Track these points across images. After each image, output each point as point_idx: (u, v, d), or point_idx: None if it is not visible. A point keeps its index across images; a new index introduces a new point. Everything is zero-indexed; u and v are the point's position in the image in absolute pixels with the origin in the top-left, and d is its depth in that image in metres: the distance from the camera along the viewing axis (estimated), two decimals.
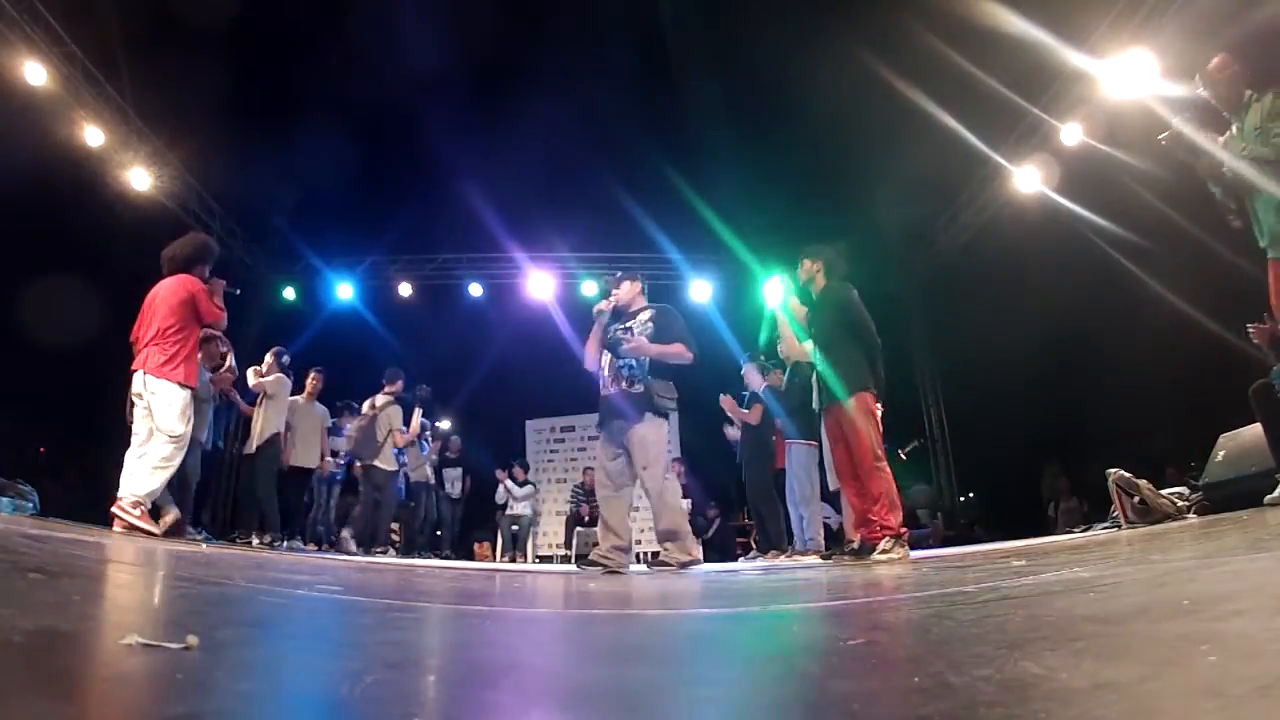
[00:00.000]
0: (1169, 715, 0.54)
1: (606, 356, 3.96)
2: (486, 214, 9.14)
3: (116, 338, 6.23)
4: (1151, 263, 6.78)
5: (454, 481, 8.82)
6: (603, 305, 4.07)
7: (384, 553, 6.41)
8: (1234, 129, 3.17)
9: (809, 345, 4.80)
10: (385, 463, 6.74)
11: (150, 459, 3.96)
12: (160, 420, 4.00)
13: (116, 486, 4.36)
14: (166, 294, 4.20)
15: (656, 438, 3.78)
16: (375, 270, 10.78)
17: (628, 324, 4.00)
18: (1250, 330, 3.26)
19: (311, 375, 6.73)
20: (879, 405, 4.11)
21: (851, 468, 4.04)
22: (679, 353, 3.80)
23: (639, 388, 3.79)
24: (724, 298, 10.66)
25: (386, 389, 6.88)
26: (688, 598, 2.30)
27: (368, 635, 1.18)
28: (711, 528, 9.46)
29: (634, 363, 3.84)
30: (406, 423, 6.93)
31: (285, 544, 6.01)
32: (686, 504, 8.58)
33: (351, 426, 7.08)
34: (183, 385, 4.09)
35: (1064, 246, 7.39)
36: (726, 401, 6.03)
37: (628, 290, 4.14)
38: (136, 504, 3.86)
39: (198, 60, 6.65)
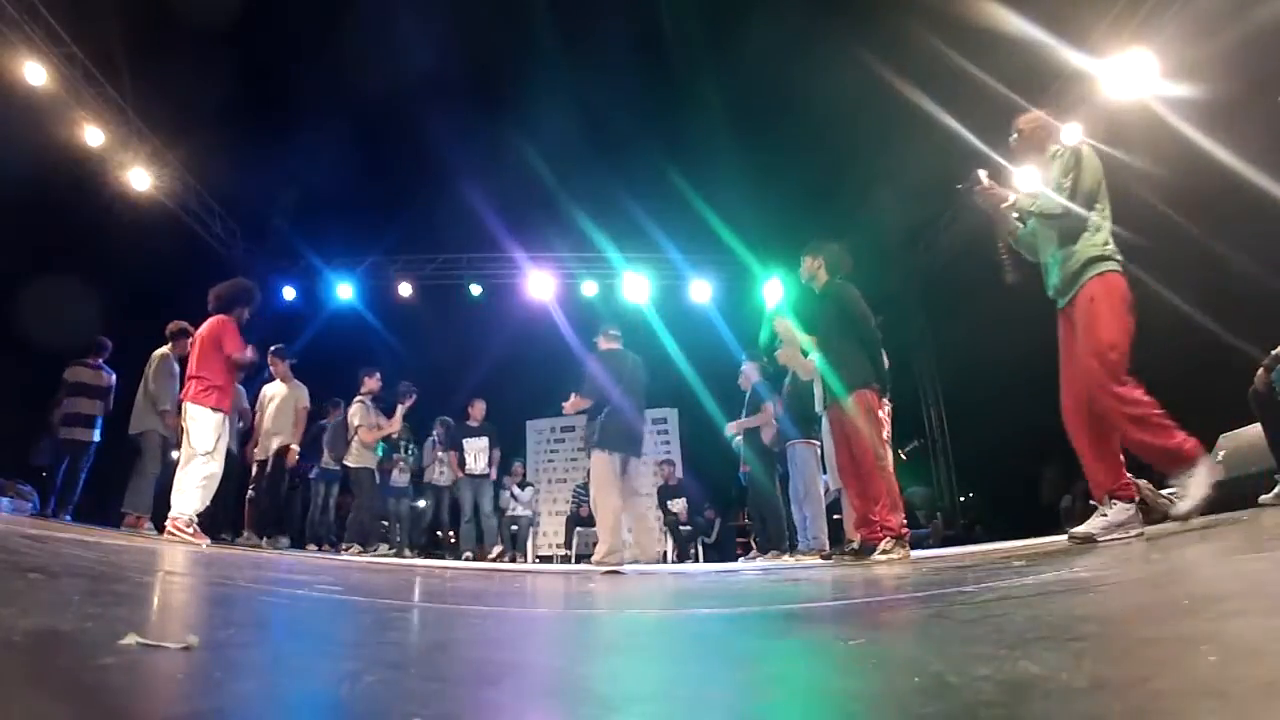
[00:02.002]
0: (1169, 715, 0.54)
1: None
2: (486, 214, 9.12)
3: (116, 337, 6.25)
4: (1151, 263, 6.77)
5: (477, 455, 7.35)
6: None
7: (367, 550, 6.30)
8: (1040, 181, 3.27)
9: (815, 359, 4.81)
10: (355, 460, 6.68)
11: (192, 478, 4.43)
12: (194, 440, 4.51)
13: (116, 487, 4.65)
14: (204, 332, 4.82)
15: (593, 471, 4.55)
16: (375, 270, 10.78)
17: None
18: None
19: (269, 357, 6.42)
20: (887, 401, 4.11)
21: (854, 467, 4.03)
22: (573, 404, 4.66)
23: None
24: (724, 298, 10.66)
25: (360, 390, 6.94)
26: (688, 598, 2.30)
27: (368, 635, 1.18)
28: (713, 528, 9.46)
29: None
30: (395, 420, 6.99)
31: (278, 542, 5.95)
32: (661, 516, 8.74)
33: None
34: (215, 409, 4.57)
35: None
36: (733, 428, 6.09)
37: (600, 344, 4.83)
38: (189, 522, 4.33)
39: (198, 60, 6.64)
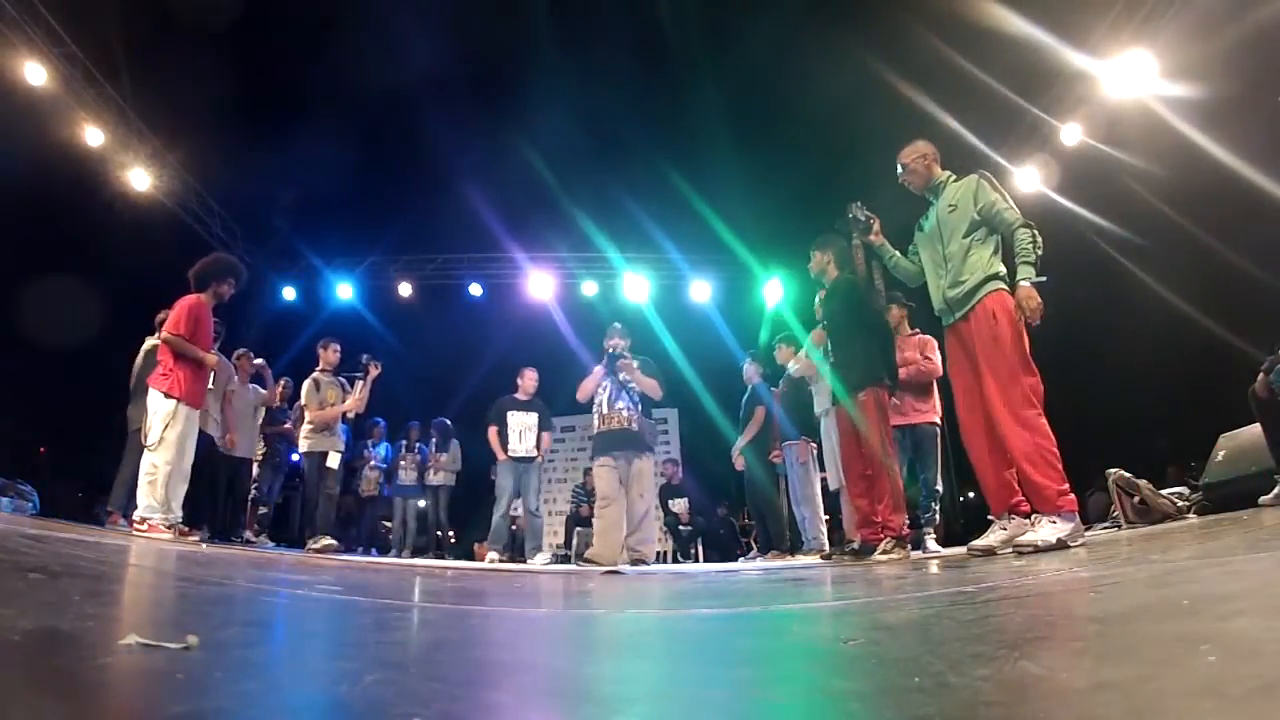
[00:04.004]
0: (1169, 715, 0.54)
1: (602, 397, 4.57)
2: (486, 214, 9.13)
3: (116, 337, 6.26)
4: (1151, 263, 6.78)
5: (523, 433, 6.06)
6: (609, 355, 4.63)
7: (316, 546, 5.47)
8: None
9: (816, 359, 4.84)
10: (305, 444, 5.76)
11: (142, 472, 4.14)
12: (148, 429, 4.21)
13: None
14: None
15: (650, 471, 4.58)
16: (375, 270, 10.78)
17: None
18: None
19: (237, 355, 6.19)
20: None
21: (860, 465, 4.01)
22: (654, 387, 4.57)
23: (636, 426, 4.48)
24: (724, 298, 10.66)
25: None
26: (688, 598, 2.30)
27: (368, 635, 1.18)
28: (719, 528, 9.45)
29: (632, 405, 4.50)
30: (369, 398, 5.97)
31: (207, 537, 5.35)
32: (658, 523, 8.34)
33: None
34: (167, 395, 4.22)
35: (1064, 246, 7.39)
36: (739, 460, 6.10)
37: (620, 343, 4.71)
38: (142, 520, 4.07)
39: (198, 60, 6.65)
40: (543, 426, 6.14)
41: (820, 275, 4.36)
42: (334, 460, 5.74)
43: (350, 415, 6.03)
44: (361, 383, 5.88)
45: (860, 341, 4.01)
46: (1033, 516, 2.84)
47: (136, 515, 4.11)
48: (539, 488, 6.18)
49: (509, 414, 6.06)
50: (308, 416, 5.73)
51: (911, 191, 3.49)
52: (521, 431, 6.03)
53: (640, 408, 4.53)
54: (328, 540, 5.37)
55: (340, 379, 5.97)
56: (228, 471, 5.96)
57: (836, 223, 3.83)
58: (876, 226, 3.65)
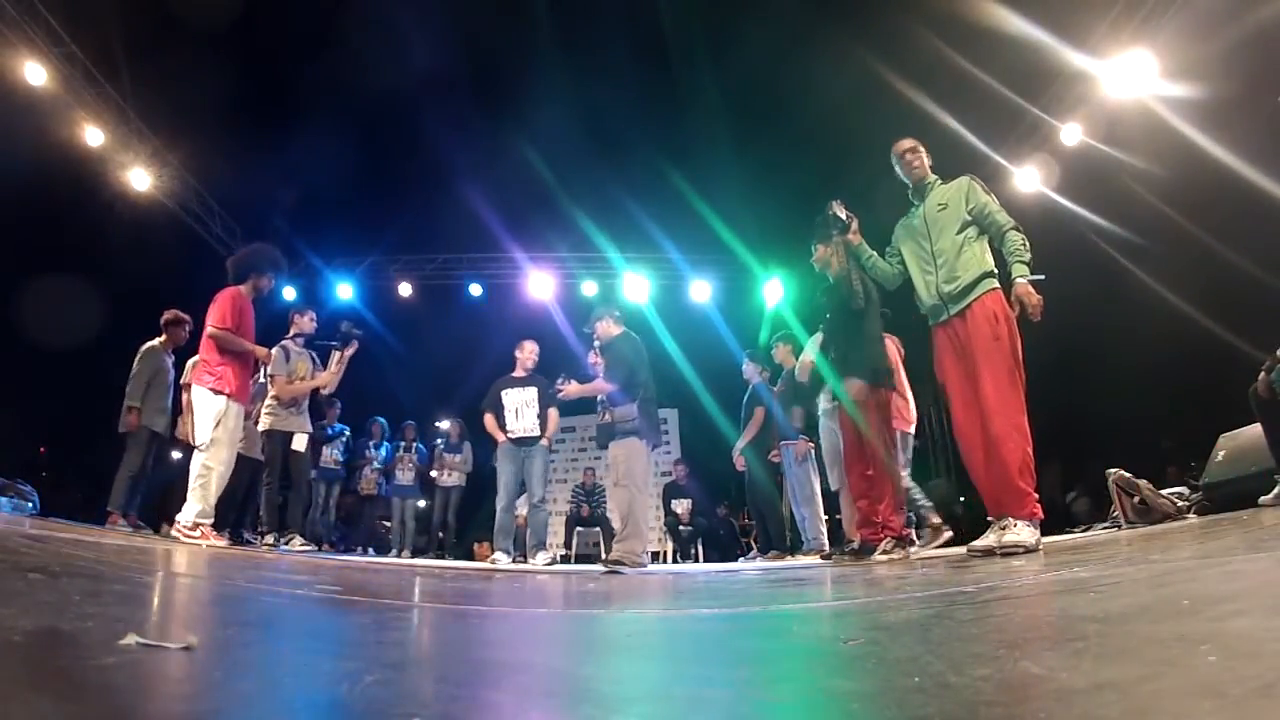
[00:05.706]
0: (1169, 715, 0.54)
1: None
2: (486, 214, 9.13)
3: (116, 337, 6.27)
4: (1151, 263, 6.78)
5: (520, 410, 5.40)
6: (592, 357, 4.59)
7: (282, 538, 5.14)
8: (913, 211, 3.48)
9: (816, 358, 4.82)
10: (265, 422, 5.15)
11: (191, 476, 3.93)
12: (195, 429, 4.04)
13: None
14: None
15: (624, 456, 4.21)
16: (375, 270, 10.78)
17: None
18: None
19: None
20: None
21: (861, 465, 4.00)
22: (594, 388, 4.39)
23: (606, 417, 4.33)
24: (724, 298, 10.67)
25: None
26: (688, 598, 2.30)
27: (368, 635, 1.18)
28: (719, 528, 9.45)
29: (603, 399, 4.35)
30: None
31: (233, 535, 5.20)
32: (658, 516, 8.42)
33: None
34: (215, 393, 4.00)
35: (1064, 246, 7.39)
36: (739, 461, 6.09)
37: (602, 328, 4.53)
38: (194, 526, 3.86)
39: (198, 60, 6.65)
40: (546, 402, 5.32)
41: (824, 268, 4.34)
42: (300, 443, 5.23)
43: (324, 393, 5.44)
44: (339, 355, 5.17)
45: (862, 340, 4.00)
46: (1006, 520, 2.91)
47: (186, 520, 3.85)
48: (545, 475, 5.38)
49: (504, 393, 5.39)
50: (272, 390, 5.10)
51: (904, 180, 3.50)
52: (519, 409, 5.31)
53: (608, 400, 4.30)
54: (298, 538, 5.04)
55: (311, 352, 5.42)
56: (248, 473, 5.75)
57: (817, 219, 3.86)
58: (855, 226, 3.68)
